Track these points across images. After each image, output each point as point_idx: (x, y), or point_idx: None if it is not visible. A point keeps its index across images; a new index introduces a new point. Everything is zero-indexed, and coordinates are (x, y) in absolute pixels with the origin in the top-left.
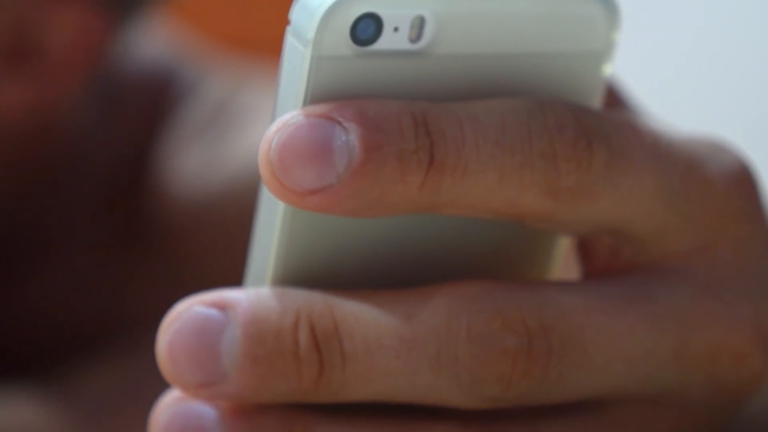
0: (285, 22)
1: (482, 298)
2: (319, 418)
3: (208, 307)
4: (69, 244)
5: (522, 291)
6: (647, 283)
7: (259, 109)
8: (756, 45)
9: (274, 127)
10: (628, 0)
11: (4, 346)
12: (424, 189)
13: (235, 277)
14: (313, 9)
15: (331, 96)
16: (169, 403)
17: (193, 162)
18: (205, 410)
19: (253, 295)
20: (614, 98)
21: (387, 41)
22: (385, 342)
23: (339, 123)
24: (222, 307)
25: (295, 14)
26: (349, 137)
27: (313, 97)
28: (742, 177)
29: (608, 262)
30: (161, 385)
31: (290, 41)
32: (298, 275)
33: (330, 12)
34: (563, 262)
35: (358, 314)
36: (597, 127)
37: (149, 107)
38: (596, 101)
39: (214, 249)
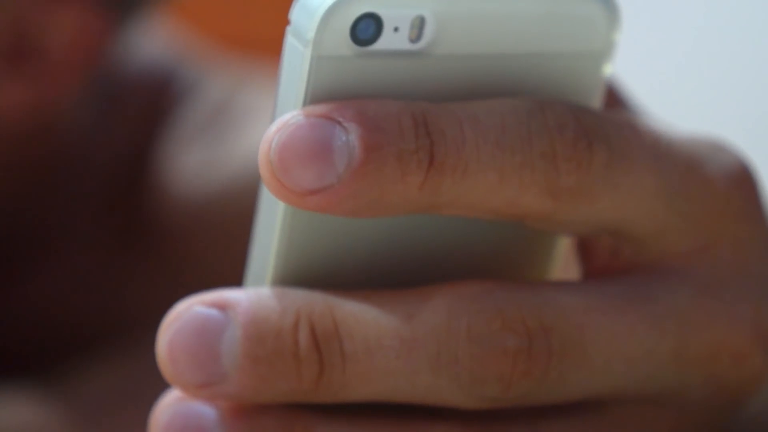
0: (285, 22)
1: (482, 298)
2: (319, 419)
3: (208, 307)
4: (69, 244)
5: (522, 291)
6: (647, 283)
7: (259, 109)
8: (756, 45)
9: (274, 127)
10: (628, 0)
11: (3, 346)
12: (424, 189)
13: (235, 277)
14: (313, 9)
15: (331, 96)
16: (169, 403)
17: (193, 162)
18: (205, 410)
19: (254, 295)
20: (614, 98)
21: (387, 41)
22: (385, 342)
23: (339, 123)
24: (222, 307)
25: (295, 14)
26: (349, 137)
27: (313, 97)
28: (742, 177)
29: (608, 262)
30: (161, 385)
31: (290, 41)
32: (298, 275)
33: (330, 12)
34: (563, 262)
35: (358, 314)
36: (597, 128)
37: (149, 107)
38: (596, 101)
39: (214, 249)
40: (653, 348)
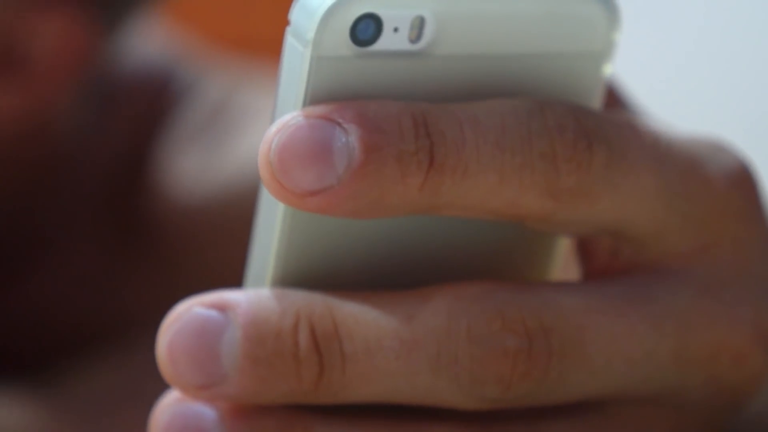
0: (284, 22)
1: (482, 299)
2: (319, 419)
3: (207, 308)
4: (68, 245)
5: (522, 292)
6: (647, 283)
7: (258, 109)
8: (756, 45)
9: (273, 128)
10: (629, 1)
11: (2, 345)
12: (424, 190)
13: (234, 278)
14: (312, 9)
15: (330, 96)
16: (169, 404)
17: (191, 162)
18: (205, 411)
19: (253, 296)
20: (614, 98)
21: (387, 42)
22: (385, 343)
23: (339, 124)
24: (222, 308)
25: (295, 14)
26: (349, 138)
27: (312, 98)
28: (742, 177)
29: (608, 263)
30: (160, 385)
31: (290, 41)
32: (298, 276)
33: (330, 12)
34: (563, 262)
35: (358, 315)
36: (597, 128)
37: (147, 108)
38: (596, 102)
39: (213, 249)
40: (653, 348)
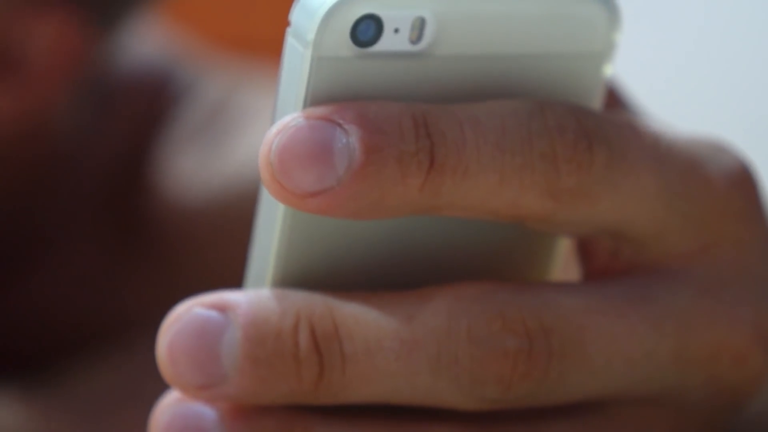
0: (284, 22)
1: (482, 299)
2: (319, 420)
3: (207, 308)
4: (67, 245)
5: (522, 292)
6: (647, 284)
7: (257, 109)
8: (756, 45)
9: (274, 129)
10: (629, 1)
11: (3, 345)
12: (424, 191)
13: (234, 278)
14: (313, 10)
15: (331, 97)
16: (169, 404)
17: (191, 162)
18: (205, 411)
19: (253, 297)
20: (614, 99)
21: (387, 42)
22: (385, 343)
23: (339, 125)
24: (222, 308)
25: (296, 15)
26: (349, 139)
27: (313, 99)
28: (743, 178)
29: (608, 263)
30: (160, 386)
31: (290, 42)
32: (298, 277)
33: (330, 13)
34: (563, 263)
35: (358, 316)
36: (597, 129)
37: (145, 108)
38: (597, 102)
39: (212, 249)
40: (653, 349)
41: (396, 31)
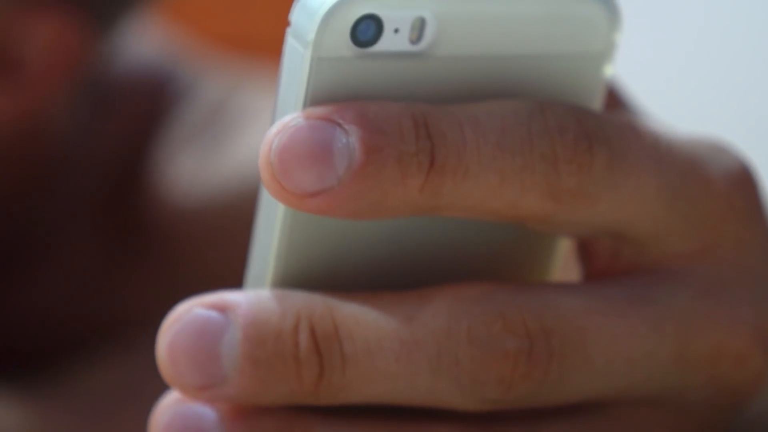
0: (283, 21)
1: (483, 300)
2: (319, 420)
3: (208, 309)
4: (67, 245)
5: (523, 293)
6: (648, 284)
7: (256, 110)
8: (756, 46)
9: (274, 129)
10: (629, 1)
11: (3, 345)
12: (424, 191)
13: (233, 278)
14: (313, 10)
15: (331, 97)
16: (169, 404)
17: (190, 163)
18: (205, 412)
19: (254, 297)
20: (615, 99)
21: (387, 42)
22: (385, 344)
23: (339, 125)
24: (222, 309)
25: (296, 15)
26: (349, 139)
27: (313, 99)
28: (743, 178)
29: (609, 264)
30: (160, 386)
31: (290, 42)
32: (298, 277)
33: (330, 13)
34: (564, 263)
35: (358, 316)
36: (598, 129)
37: (144, 109)
38: (597, 103)
39: (212, 249)
40: (654, 350)
41: (396, 31)
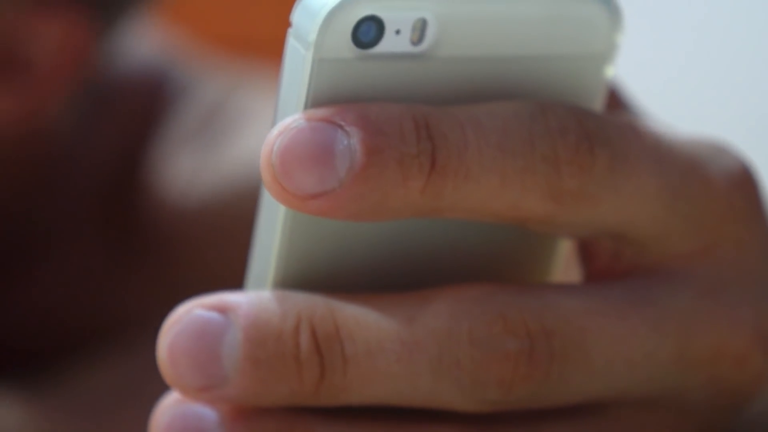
0: (283, 22)
1: (484, 301)
2: (320, 421)
3: (208, 310)
4: (66, 245)
5: (523, 294)
6: (648, 285)
7: (254, 110)
8: (756, 46)
9: (275, 131)
10: (629, 1)
11: (3, 345)
12: (425, 193)
13: (233, 278)
14: (314, 11)
15: (332, 99)
16: (170, 405)
17: (189, 163)
18: (206, 412)
19: (254, 298)
20: (615, 100)
21: (389, 44)
22: (386, 345)
23: (341, 127)
24: (223, 310)
25: (297, 16)
26: (350, 141)
27: (314, 100)
28: (743, 179)
29: (609, 265)
30: (161, 386)
31: (292, 43)
32: (299, 278)
33: (332, 14)
34: (564, 264)
35: (359, 317)
36: (599, 130)
37: (141, 109)
38: (598, 104)
39: (211, 249)
40: (654, 350)
41: (397, 32)
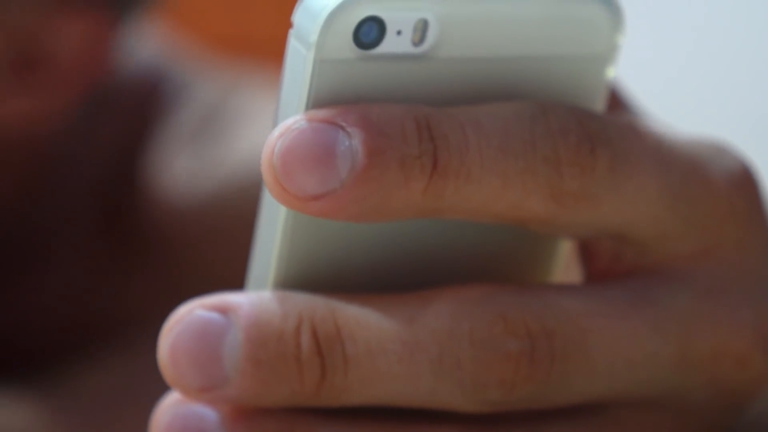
0: (283, 22)
1: (484, 301)
2: (320, 422)
3: (209, 310)
4: (66, 245)
5: (524, 295)
6: (649, 286)
7: (253, 111)
8: (756, 46)
9: (277, 132)
10: (630, 2)
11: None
12: (427, 194)
13: (232, 278)
14: (316, 12)
15: (333, 99)
16: (170, 405)
17: (187, 165)
18: (206, 412)
19: (255, 299)
20: (616, 100)
21: (390, 44)
22: (387, 346)
23: (342, 128)
24: (223, 310)
25: (298, 17)
26: (352, 142)
27: (315, 101)
28: (744, 179)
29: (610, 266)
30: (161, 386)
31: (293, 44)
32: (300, 279)
33: (333, 15)
34: (565, 265)
35: (360, 318)
36: (600, 131)
37: (140, 110)
38: (599, 104)
39: (211, 250)
40: (655, 351)
41: (398, 33)
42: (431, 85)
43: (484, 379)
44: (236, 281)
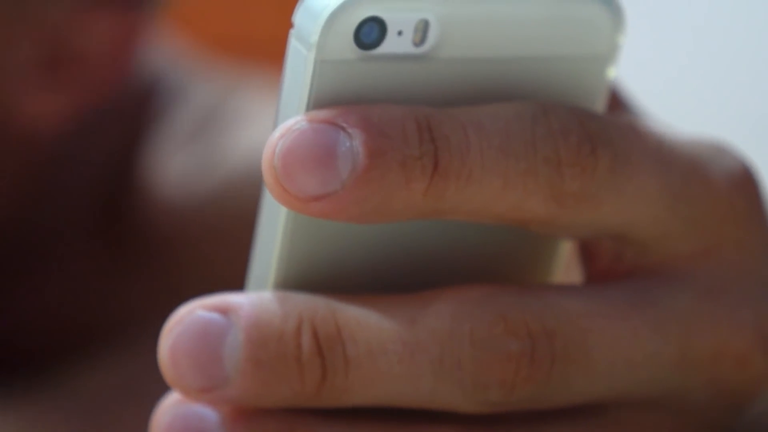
0: (283, 22)
1: (485, 302)
2: (321, 422)
3: (210, 311)
4: (67, 247)
5: (525, 295)
6: (649, 286)
7: (251, 112)
8: (756, 46)
9: (277, 133)
10: (630, 2)
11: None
12: (428, 195)
13: (232, 278)
14: (316, 12)
15: (334, 100)
16: (170, 405)
17: (186, 165)
18: (207, 413)
19: (256, 299)
20: (616, 100)
21: (391, 45)
22: (388, 346)
23: (343, 128)
24: (224, 311)
25: (299, 17)
26: (353, 143)
27: (316, 102)
28: (745, 179)
29: (611, 266)
30: (161, 386)
31: (294, 44)
32: (300, 279)
33: (334, 15)
34: (565, 265)
35: (360, 318)
36: (601, 132)
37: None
38: (600, 105)
39: (211, 250)
40: (656, 352)
41: (399, 33)
42: (432, 86)
43: (485, 379)
44: (236, 281)
